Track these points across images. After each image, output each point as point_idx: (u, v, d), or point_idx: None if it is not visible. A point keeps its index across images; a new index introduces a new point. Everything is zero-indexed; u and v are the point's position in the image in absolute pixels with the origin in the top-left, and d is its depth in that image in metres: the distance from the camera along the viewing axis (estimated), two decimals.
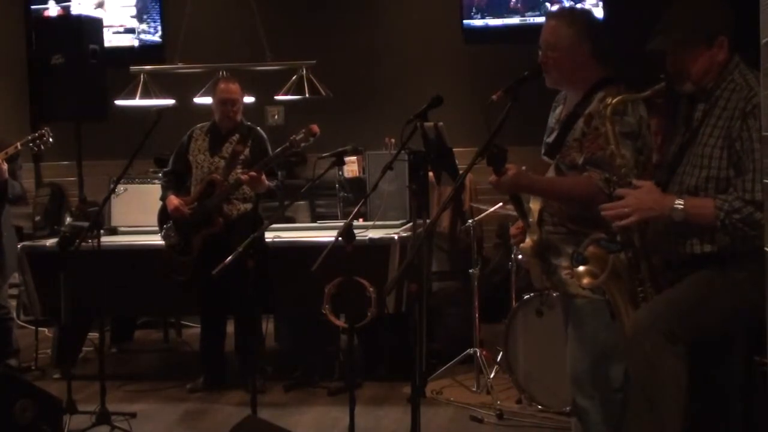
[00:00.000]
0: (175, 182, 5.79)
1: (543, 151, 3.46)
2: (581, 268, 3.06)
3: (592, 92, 3.29)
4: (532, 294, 4.99)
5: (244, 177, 5.39)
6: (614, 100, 3.08)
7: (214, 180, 5.58)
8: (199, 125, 5.83)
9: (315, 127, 5.23)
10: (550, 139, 3.43)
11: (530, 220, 3.41)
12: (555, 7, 7.77)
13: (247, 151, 5.63)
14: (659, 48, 3.09)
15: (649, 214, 2.96)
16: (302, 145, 5.26)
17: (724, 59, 3.06)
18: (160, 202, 5.77)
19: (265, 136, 5.76)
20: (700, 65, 3.06)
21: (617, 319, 3.07)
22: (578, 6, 7.72)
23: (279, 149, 5.45)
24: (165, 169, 5.94)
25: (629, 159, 3.12)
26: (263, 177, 5.39)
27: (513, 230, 3.55)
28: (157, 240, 5.81)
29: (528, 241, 3.41)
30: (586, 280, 3.06)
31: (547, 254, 3.37)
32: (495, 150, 3.14)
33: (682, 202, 2.94)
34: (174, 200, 5.64)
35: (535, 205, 3.41)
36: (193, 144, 5.74)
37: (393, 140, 6.83)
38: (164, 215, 5.73)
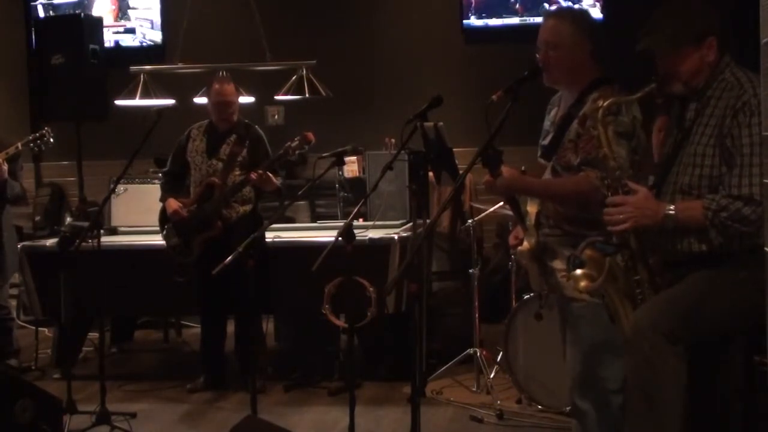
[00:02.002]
0: (174, 183, 5.79)
1: (539, 153, 3.47)
2: (578, 272, 3.06)
3: (586, 93, 3.30)
4: (532, 294, 4.99)
5: (253, 175, 5.37)
6: (605, 103, 3.08)
7: (213, 183, 5.58)
8: (196, 125, 5.82)
9: (310, 135, 5.23)
10: (545, 142, 3.44)
11: (527, 223, 3.41)
12: (553, 7, 7.78)
13: (244, 152, 5.63)
14: (647, 49, 3.10)
15: (645, 222, 2.97)
16: (297, 152, 5.25)
17: (714, 59, 3.07)
18: (161, 204, 5.77)
19: (263, 135, 5.76)
20: (689, 66, 3.07)
21: (616, 321, 3.07)
22: (576, 6, 7.72)
23: (274, 156, 5.45)
24: (164, 170, 5.94)
25: (624, 158, 3.12)
26: (271, 175, 5.40)
27: (511, 240, 3.55)
28: (157, 240, 5.81)
29: (525, 244, 3.41)
30: (583, 284, 3.05)
31: (544, 257, 3.38)
32: (490, 151, 3.14)
33: (672, 208, 2.96)
34: (173, 203, 5.63)
35: (532, 208, 3.42)
36: (190, 144, 5.74)
37: (393, 140, 6.83)
38: (165, 216, 5.73)
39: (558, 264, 3.33)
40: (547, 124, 3.50)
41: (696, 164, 3.02)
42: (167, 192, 5.74)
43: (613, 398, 3.29)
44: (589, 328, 3.31)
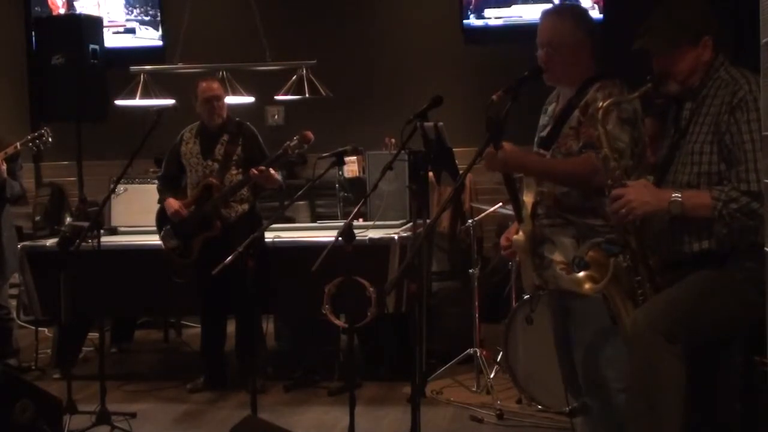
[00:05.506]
0: (171, 186, 5.78)
1: (537, 143, 3.45)
2: (581, 274, 3.05)
3: (585, 86, 3.29)
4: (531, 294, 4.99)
5: (255, 171, 5.35)
6: (605, 103, 3.08)
7: (210, 184, 5.58)
8: (188, 127, 5.80)
9: (309, 134, 5.22)
10: (544, 133, 3.42)
11: (523, 212, 3.37)
12: (550, 6, 7.77)
13: (239, 150, 5.63)
14: (644, 48, 3.10)
15: (647, 209, 2.95)
16: (296, 151, 5.25)
17: (710, 58, 3.08)
18: (158, 205, 5.77)
19: (255, 131, 5.74)
20: (686, 65, 3.08)
21: (618, 322, 3.06)
22: (573, 4, 7.71)
23: (273, 156, 5.44)
24: (159, 174, 5.92)
25: (627, 144, 3.12)
26: (272, 172, 5.39)
27: (503, 241, 3.50)
28: (157, 240, 5.80)
29: (520, 233, 3.37)
30: (587, 286, 3.04)
31: (541, 248, 3.34)
32: (493, 118, 3.10)
33: (679, 195, 2.94)
34: (173, 203, 5.62)
35: (528, 198, 3.36)
36: (184, 147, 5.72)
37: (393, 140, 6.83)
38: (162, 218, 5.72)
39: (557, 256, 3.29)
40: (544, 119, 3.49)
41: (694, 162, 3.03)
42: (165, 193, 5.74)
43: (619, 396, 3.27)
44: (593, 325, 3.28)
